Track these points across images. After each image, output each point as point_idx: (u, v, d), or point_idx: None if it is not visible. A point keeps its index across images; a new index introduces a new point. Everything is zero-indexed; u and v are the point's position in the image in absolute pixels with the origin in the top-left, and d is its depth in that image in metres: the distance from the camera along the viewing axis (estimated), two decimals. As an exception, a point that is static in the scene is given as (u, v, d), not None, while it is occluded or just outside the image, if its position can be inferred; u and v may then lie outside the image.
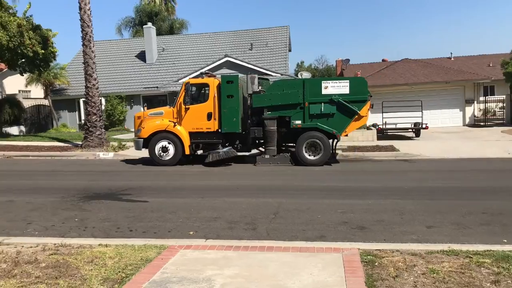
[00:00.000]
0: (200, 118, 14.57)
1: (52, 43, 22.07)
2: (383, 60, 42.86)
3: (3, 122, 26.74)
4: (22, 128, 29.25)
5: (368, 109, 14.26)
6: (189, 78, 18.34)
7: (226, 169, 13.98)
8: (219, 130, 14.50)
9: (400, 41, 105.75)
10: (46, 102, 31.63)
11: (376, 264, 4.96)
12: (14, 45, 18.94)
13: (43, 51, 20.61)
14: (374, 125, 22.47)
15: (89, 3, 18.76)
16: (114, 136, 21.97)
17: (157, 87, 29.39)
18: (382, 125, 22.44)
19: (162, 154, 14.74)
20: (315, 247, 5.59)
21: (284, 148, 15.24)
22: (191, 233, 6.67)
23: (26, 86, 31.69)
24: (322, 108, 13.90)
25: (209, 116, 14.49)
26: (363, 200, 8.83)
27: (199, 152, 15.48)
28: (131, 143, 19.64)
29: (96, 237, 6.46)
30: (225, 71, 27.79)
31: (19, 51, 19.51)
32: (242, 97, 14.81)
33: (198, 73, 27.08)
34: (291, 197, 9.26)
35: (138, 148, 15.16)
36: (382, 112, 22.76)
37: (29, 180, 12.20)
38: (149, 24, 33.78)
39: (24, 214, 8.03)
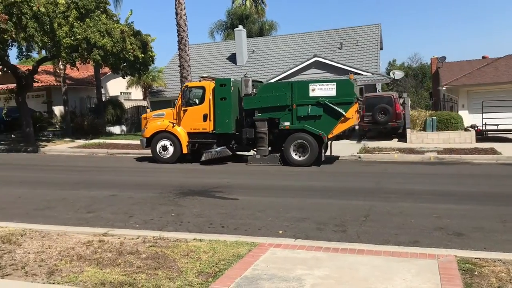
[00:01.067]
0: (197, 119, 15.38)
1: (151, 48, 23.41)
2: (483, 57, 40.08)
3: (107, 122, 28.89)
4: (123, 127, 31.39)
5: (356, 111, 14.29)
6: (189, 82, 18.95)
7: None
8: (214, 131, 15.18)
9: (503, 37, 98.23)
10: (144, 103, 33.67)
11: (476, 273, 4.69)
12: (117, 50, 20.37)
13: (142, 55, 21.93)
14: (472, 126, 21.11)
15: (184, 8, 19.68)
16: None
17: (247, 88, 30.00)
18: (482, 126, 21.01)
19: (162, 152, 15.78)
20: (408, 252, 5.41)
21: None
22: (280, 232, 6.76)
23: (127, 88, 33.98)
24: (309, 110, 14.11)
25: (205, 118, 15.28)
26: (459, 205, 8.37)
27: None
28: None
29: (190, 232, 6.77)
30: (313, 71, 27.70)
31: (122, 56, 20.93)
32: (238, 100, 15.31)
33: (286, 74, 27.34)
34: (383, 200, 9.01)
35: (142, 146, 16.31)
36: (482, 113, 21.31)
37: (131, 176, 13.07)
38: (240, 27, 34.61)
39: (126, 208, 8.63)
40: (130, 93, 36.31)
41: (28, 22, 17.21)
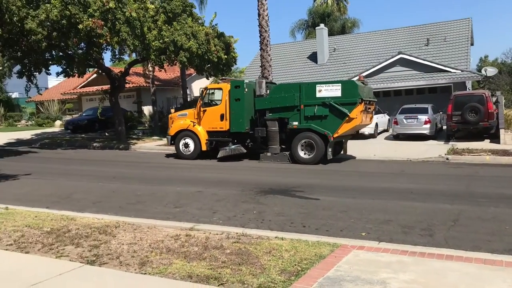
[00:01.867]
0: (214, 119, 16.40)
1: (234, 49, 23.92)
2: None
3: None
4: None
5: (361, 112, 14.50)
6: (208, 84, 20.22)
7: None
8: (229, 130, 16.07)
9: None
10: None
11: None
12: (202, 52, 21.06)
13: (226, 56, 22.48)
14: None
15: (267, 9, 19.90)
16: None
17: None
18: None
19: (184, 149, 16.95)
20: (503, 261, 5.08)
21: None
22: (363, 234, 6.64)
23: (210, 88, 34.99)
24: (316, 110, 14.66)
25: (222, 117, 16.23)
26: None
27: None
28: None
29: (272, 230, 6.86)
30: (398, 68, 26.78)
31: (206, 57, 21.61)
32: (253, 101, 15.99)
33: (368, 72, 26.70)
34: (473, 204, 8.53)
35: (168, 143, 17.68)
36: None
37: (214, 173, 13.48)
38: (321, 25, 34.32)
39: (210, 204, 8.93)
40: (213, 93, 37.32)
41: (121, 27, 18.32)
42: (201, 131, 16.67)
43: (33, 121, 35.94)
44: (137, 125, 29.14)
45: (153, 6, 20.25)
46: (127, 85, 27.75)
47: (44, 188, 11.36)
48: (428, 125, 19.97)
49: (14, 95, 46.80)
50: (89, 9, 17.68)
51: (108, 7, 17.71)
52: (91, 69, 27.38)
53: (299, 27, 50.90)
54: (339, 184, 11.39)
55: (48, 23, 18.23)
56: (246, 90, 15.91)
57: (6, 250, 5.79)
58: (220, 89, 16.63)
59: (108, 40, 18.42)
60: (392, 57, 27.19)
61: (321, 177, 12.64)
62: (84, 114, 31.14)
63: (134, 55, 27.85)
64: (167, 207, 8.79)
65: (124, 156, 18.40)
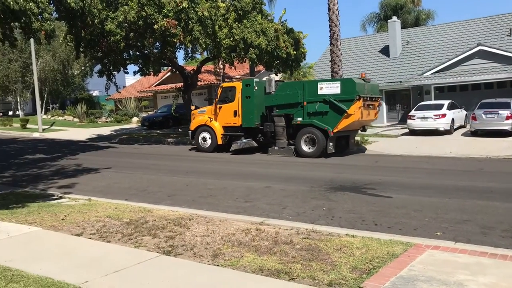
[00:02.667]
0: (229, 115, 17.70)
1: (303, 44, 23.83)
2: None
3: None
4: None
5: (359, 108, 15.07)
6: (223, 83, 22.06)
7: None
8: (241, 125, 17.25)
9: None
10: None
11: None
12: (271, 48, 21.18)
13: (294, 52, 22.45)
14: None
15: (337, 3, 19.63)
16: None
17: (400, 81, 28.78)
18: None
19: (202, 142, 18.42)
20: None
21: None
22: (439, 233, 6.40)
23: (279, 84, 35.04)
24: (317, 106, 15.52)
25: (235, 113, 17.49)
26: None
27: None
28: (374, 138, 19.85)
29: (342, 227, 6.79)
30: (477, 61, 25.38)
31: (275, 54, 21.70)
32: (264, 98, 17.09)
33: (444, 65, 25.54)
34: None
35: (190, 138, 19.14)
36: None
37: (282, 169, 13.53)
38: (394, 18, 33.26)
39: (280, 200, 9.00)
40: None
41: (194, 26, 18.86)
42: (217, 126, 18.05)
43: (112, 118, 37.97)
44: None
45: (224, 4, 20.64)
46: (199, 83, 28.50)
47: (123, 181, 11.99)
48: (510, 121, 18.77)
49: (95, 93, 49.71)
50: (164, 10, 18.36)
51: (181, 7, 18.29)
52: (165, 68, 28.45)
53: (370, 20, 49.73)
54: (412, 182, 11.02)
55: (126, 24, 19.16)
56: (256, 88, 17.03)
57: (90, 238, 6.19)
58: (233, 87, 18.00)
59: (182, 39, 19.03)
60: (470, 49, 25.81)
61: (392, 174, 12.29)
62: (159, 111, 32.41)
63: (205, 53, 28.56)
64: (238, 201, 8.97)
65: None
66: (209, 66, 33.65)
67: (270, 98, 16.83)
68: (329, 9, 19.69)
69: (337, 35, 19.74)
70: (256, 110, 17.02)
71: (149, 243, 5.92)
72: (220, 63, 27.85)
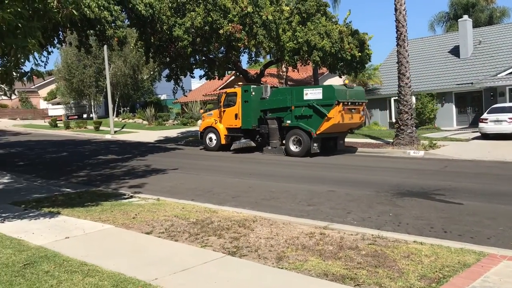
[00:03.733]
0: (231, 117, 19.66)
1: (368, 46, 23.39)
2: None
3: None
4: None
5: (339, 112, 16.53)
6: (228, 89, 23.14)
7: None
8: (241, 127, 19.16)
9: None
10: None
11: None
12: (335, 50, 20.96)
13: (359, 53, 22.07)
14: None
15: (404, 3, 19.09)
16: (424, 135, 21.72)
17: (471, 83, 27.46)
18: None
19: (209, 142, 20.59)
20: None
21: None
22: (515, 244, 6.05)
23: (343, 87, 34.57)
24: (303, 111, 17.17)
25: (236, 116, 19.46)
26: None
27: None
28: (442, 142, 19.12)
29: (409, 234, 6.59)
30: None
31: (339, 56, 21.46)
32: (260, 102, 18.84)
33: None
34: None
35: (199, 138, 21.42)
36: None
37: (347, 173, 13.34)
38: (465, 16, 31.82)
39: (344, 204, 8.88)
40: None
41: (258, 30, 19.06)
42: (221, 128, 20.05)
43: (179, 121, 39.16)
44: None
45: (288, 8, 20.69)
46: (262, 86, 28.73)
47: (189, 182, 12.33)
48: None
49: (163, 97, 51.46)
50: (229, 15, 18.71)
51: (246, 11, 18.56)
52: (229, 72, 28.94)
53: (439, 20, 47.90)
54: (484, 188, 10.47)
55: (193, 30, 19.72)
56: (253, 93, 18.87)
57: (159, 237, 6.43)
58: (235, 93, 19.86)
59: (246, 43, 19.30)
60: (551, 48, 24.16)
61: (462, 179, 11.74)
62: (222, 114, 32.92)
63: (268, 56, 28.76)
64: (300, 205, 8.95)
65: (259, 154, 19.09)
66: (272, 69, 33.85)
67: (265, 102, 18.66)
68: (395, 10, 19.18)
69: (404, 35, 19.18)
70: (253, 114, 18.94)
71: (215, 243, 6.05)
72: (283, 66, 27.91)
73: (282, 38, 20.26)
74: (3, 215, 7.91)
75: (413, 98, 22.54)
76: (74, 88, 44.77)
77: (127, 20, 17.49)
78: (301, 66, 24.69)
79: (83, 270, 4.93)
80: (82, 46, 17.38)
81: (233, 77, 35.50)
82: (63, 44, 17.67)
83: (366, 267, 5.00)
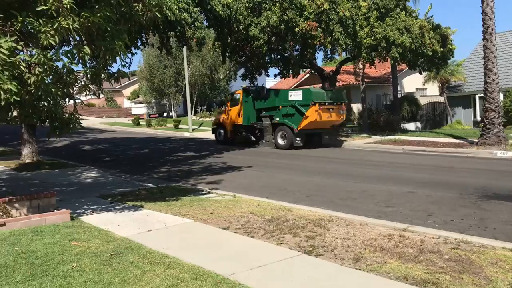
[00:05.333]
0: (235, 115, 22.41)
1: (451, 41, 22.28)
2: None
3: (402, 119, 29.00)
4: (418, 124, 30.93)
5: (316, 111, 19.02)
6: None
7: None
8: (242, 123, 22.02)
9: None
10: (441, 99, 32.32)
11: None
12: (415, 46, 20.18)
13: (441, 49, 21.08)
14: None
15: (492, -6, 17.94)
16: (513, 134, 20.30)
17: None
18: None
19: (219, 137, 23.70)
20: None
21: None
22: None
23: (423, 84, 33.25)
24: (287, 110, 19.82)
25: (239, 114, 22.20)
26: None
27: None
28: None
29: (497, 239, 6.19)
30: None
31: (420, 51, 20.63)
32: (257, 102, 21.58)
33: None
34: None
35: (212, 133, 24.73)
36: None
37: (428, 174, 12.78)
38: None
39: (424, 206, 8.53)
40: (425, 89, 35.45)
41: (334, 27, 18.82)
42: (228, 124, 22.89)
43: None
44: (346, 122, 29.52)
45: (365, 3, 20.22)
46: (337, 84, 28.35)
47: (264, 179, 12.45)
48: None
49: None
50: (305, 12, 18.64)
51: (322, 8, 18.40)
52: (304, 70, 28.82)
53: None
54: None
55: (268, 29, 19.86)
56: (252, 94, 21.73)
57: (236, 233, 6.56)
58: (238, 93, 22.72)
59: (322, 40, 19.13)
60: None
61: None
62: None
63: (344, 53, 28.28)
64: (378, 206, 8.72)
65: (334, 153, 18.88)
66: (348, 67, 33.25)
67: (260, 102, 21.31)
68: (482, 1, 18.06)
69: (492, 29, 18.00)
70: (252, 112, 21.67)
71: (290, 241, 6.06)
72: (360, 63, 27.32)
73: (359, 34, 19.85)
74: (92, 207, 8.45)
75: (501, 96, 21.15)
76: (155, 88, 46.78)
77: (205, 21, 17.96)
78: (378, 63, 24.08)
79: (165, 262, 5.14)
80: (163, 48, 18.10)
81: (307, 75, 35.32)
82: (145, 45, 18.52)
83: (449, 272, 4.77)
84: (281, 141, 20.40)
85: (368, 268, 4.97)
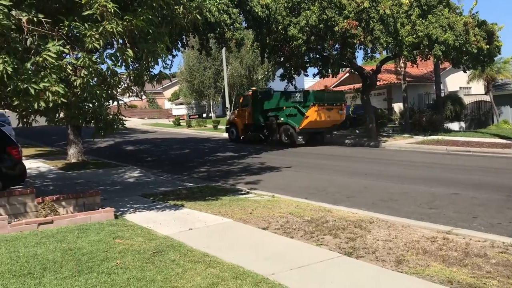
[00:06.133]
0: (246, 115, 23.99)
1: (497, 37, 21.47)
2: None
3: (445, 118, 28.19)
4: (462, 124, 29.99)
5: (316, 111, 20.45)
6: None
7: None
8: (252, 123, 23.60)
9: None
10: (486, 98, 31.20)
11: None
12: (459, 43, 19.57)
13: (487, 46, 20.35)
14: None
15: (542, -12, 17.16)
16: None
17: None
18: None
19: (231, 135, 25.28)
20: None
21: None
22: None
23: (468, 82, 32.22)
24: (290, 111, 21.18)
25: (249, 114, 23.70)
26: None
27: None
28: None
29: (549, 244, 5.92)
30: None
31: (464, 49, 19.98)
32: (265, 103, 23.17)
33: None
34: None
35: (225, 131, 26.50)
36: None
37: (471, 175, 12.38)
38: None
39: (469, 208, 8.27)
40: (470, 87, 34.33)
41: (375, 25, 18.51)
42: (239, 124, 24.40)
43: (292, 119, 39.50)
44: (387, 122, 28.99)
45: (407, 1, 19.78)
46: (378, 83, 27.84)
47: (302, 180, 12.40)
48: None
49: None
50: (344, 11, 18.42)
51: (362, 7, 18.14)
52: (343, 69, 28.48)
53: None
54: None
55: (307, 28, 19.75)
56: (260, 96, 23.71)
57: (275, 233, 6.56)
58: (249, 95, 24.50)
59: (362, 39, 18.85)
60: None
61: None
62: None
63: (385, 52, 27.78)
64: (421, 207, 8.52)
65: (375, 153, 18.59)
66: (389, 65, 32.64)
67: (267, 103, 22.84)
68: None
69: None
70: (260, 112, 23.11)
71: (330, 242, 6.01)
72: (401, 61, 26.77)
73: (400, 32, 19.43)
74: (135, 206, 8.66)
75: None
76: (195, 89, 47.46)
77: (244, 22, 18.04)
78: (421, 61, 23.49)
79: (205, 261, 5.20)
80: (203, 49, 18.32)
81: (347, 74, 34.91)
82: (185, 47, 18.80)
83: (497, 277, 4.60)
84: (284, 139, 21.88)
85: (410, 271, 4.86)
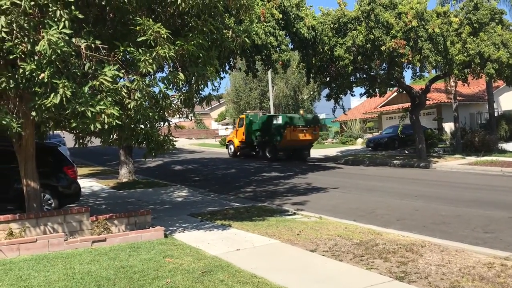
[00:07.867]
0: (241, 135, 27.62)
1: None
2: None
3: (499, 138, 27.08)
4: (518, 144, 28.66)
5: (291, 132, 24.39)
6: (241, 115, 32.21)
7: None
8: (245, 141, 27.24)
9: None
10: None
11: None
12: (514, 61, 18.91)
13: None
14: None
15: None
16: None
17: None
18: None
19: (230, 151, 29.01)
20: None
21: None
22: None
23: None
24: (273, 131, 25.07)
25: (243, 134, 27.24)
26: None
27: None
28: None
29: None
30: None
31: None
32: (254, 124, 26.95)
33: None
34: None
35: (226, 148, 30.59)
36: None
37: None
38: None
39: (529, 233, 7.87)
40: (526, 106, 32.89)
41: (423, 44, 18.18)
42: (235, 142, 28.16)
43: (338, 139, 39.17)
44: (437, 142, 28.14)
45: (457, 19, 19.38)
46: (427, 102, 27.21)
47: (350, 201, 12.21)
48: None
49: (322, 116, 52.06)
50: (392, 31, 18.23)
51: (410, 26, 17.90)
52: (391, 88, 28.05)
53: None
54: None
55: (354, 48, 19.66)
56: (251, 118, 27.16)
57: (323, 255, 6.48)
58: (243, 118, 28.09)
59: (410, 58, 18.54)
60: None
61: None
62: (384, 132, 32.05)
63: (434, 71, 27.17)
64: (475, 231, 8.19)
65: (425, 175, 18.07)
66: (439, 84, 31.80)
67: (256, 125, 26.39)
68: None
69: None
70: (252, 132, 26.52)
71: (381, 266, 5.88)
72: (451, 80, 26.07)
73: (450, 51, 19.01)
74: (183, 225, 8.81)
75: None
76: (241, 110, 48.03)
77: (290, 43, 18.19)
78: (472, 80, 22.82)
79: (254, 282, 5.21)
80: (249, 71, 18.59)
81: (395, 93, 34.35)
82: (233, 69, 19.14)
83: (562, 308, 4.34)
84: (269, 155, 25.53)
85: (466, 299, 4.68)
